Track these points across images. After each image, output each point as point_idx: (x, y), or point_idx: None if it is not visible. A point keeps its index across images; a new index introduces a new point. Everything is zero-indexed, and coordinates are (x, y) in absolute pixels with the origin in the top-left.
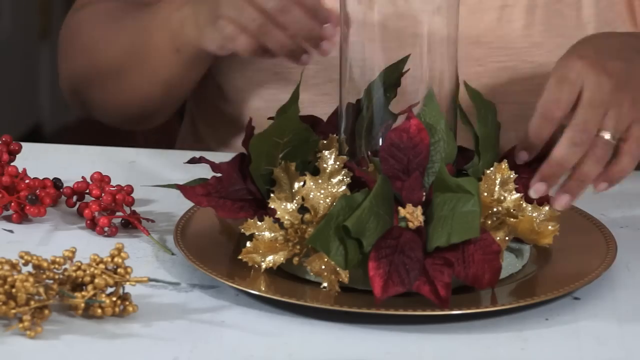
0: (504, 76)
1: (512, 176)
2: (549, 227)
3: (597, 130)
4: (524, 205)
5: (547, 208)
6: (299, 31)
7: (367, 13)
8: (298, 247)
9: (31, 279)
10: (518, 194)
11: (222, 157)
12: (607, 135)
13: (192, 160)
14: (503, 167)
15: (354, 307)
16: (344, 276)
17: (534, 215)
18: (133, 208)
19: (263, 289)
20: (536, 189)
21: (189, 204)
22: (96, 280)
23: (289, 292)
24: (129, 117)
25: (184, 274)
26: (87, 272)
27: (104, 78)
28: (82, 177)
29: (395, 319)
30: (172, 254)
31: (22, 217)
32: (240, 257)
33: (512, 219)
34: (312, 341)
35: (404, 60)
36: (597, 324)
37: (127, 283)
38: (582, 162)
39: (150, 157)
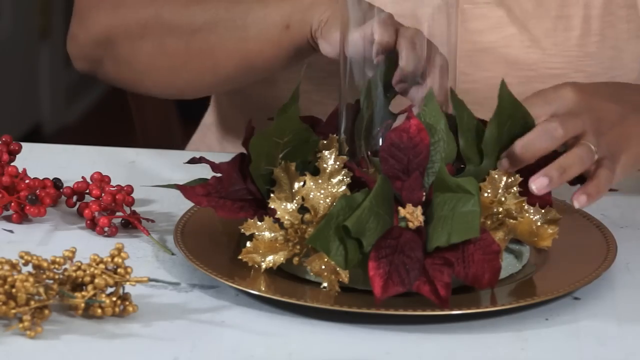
0: (554, 83)
1: (518, 180)
2: (549, 230)
3: (574, 138)
4: (526, 207)
5: (549, 212)
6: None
7: (368, 13)
8: (298, 247)
9: (31, 279)
10: (521, 197)
11: (222, 157)
12: (590, 144)
13: (192, 160)
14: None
15: (354, 307)
16: (344, 276)
17: (534, 218)
18: (133, 208)
19: (263, 289)
20: (501, 164)
21: (189, 204)
22: (96, 280)
23: (289, 292)
24: (171, 84)
25: (184, 274)
26: (87, 272)
27: (171, 34)
28: (82, 177)
29: (395, 319)
30: (172, 254)
31: (22, 217)
32: (240, 257)
33: (512, 220)
34: (312, 341)
35: None
36: (597, 324)
37: (127, 283)
38: (566, 154)
39: (150, 157)
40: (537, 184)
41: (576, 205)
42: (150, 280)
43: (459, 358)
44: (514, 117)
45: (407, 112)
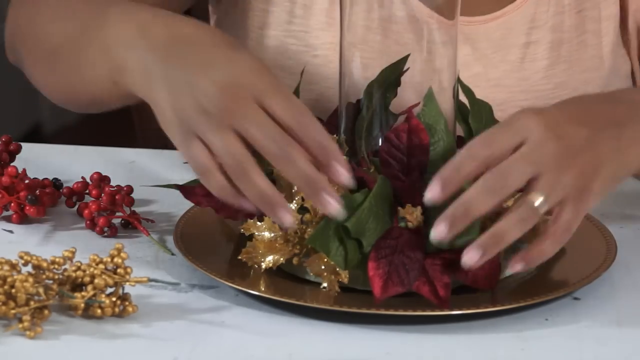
0: None
1: None
2: None
3: (522, 188)
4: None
5: None
6: (300, 183)
7: (367, 12)
8: (298, 247)
9: (31, 279)
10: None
11: None
12: (536, 200)
13: None
14: None
15: (354, 307)
16: (344, 276)
17: None
18: (133, 208)
19: (263, 289)
20: (437, 230)
21: (189, 204)
22: (96, 281)
23: (288, 292)
24: (59, 99)
25: (184, 274)
26: (87, 272)
27: (38, 47)
28: (82, 177)
29: (395, 319)
30: (172, 254)
31: (22, 218)
32: (240, 257)
33: None
34: (312, 341)
35: (403, 60)
36: (597, 324)
37: (127, 283)
38: (502, 217)
39: (150, 157)
40: (469, 257)
41: (509, 270)
42: (150, 280)
43: (459, 358)
44: (484, 108)
45: (407, 112)
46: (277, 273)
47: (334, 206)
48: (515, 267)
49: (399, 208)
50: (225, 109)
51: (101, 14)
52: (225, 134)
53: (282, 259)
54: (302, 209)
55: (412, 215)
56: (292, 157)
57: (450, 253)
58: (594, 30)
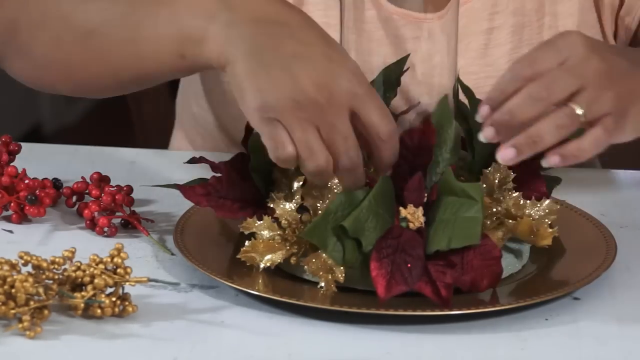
0: None
1: (510, 175)
2: (548, 229)
3: (565, 99)
4: (522, 202)
5: (545, 202)
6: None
7: (368, 13)
8: (296, 246)
9: (31, 279)
10: (517, 193)
11: (222, 157)
12: (576, 109)
13: (192, 160)
14: (501, 166)
15: (354, 307)
16: (339, 275)
17: (533, 209)
18: (133, 208)
19: (262, 288)
20: (484, 133)
21: (188, 204)
22: (96, 281)
23: (288, 292)
24: (70, 81)
25: (184, 274)
26: (87, 272)
27: (68, 29)
28: (82, 177)
29: (395, 319)
30: (172, 254)
31: (22, 218)
32: (238, 257)
33: (510, 221)
34: (312, 341)
35: (403, 60)
36: (597, 324)
37: (127, 283)
38: (540, 121)
39: (150, 157)
40: (503, 154)
41: (544, 164)
42: (149, 280)
43: (459, 358)
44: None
45: (407, 112)
46: (277, 273)
47: None
48: (550, 159)
49: (400, 208)
50: (318, 109)
51: None
52: (310, 129)
53: (279, 258)
54: (301, 209)
55: (413, 216)
56: (357, 176)
57: (451, 255)
58: (553, 13)
